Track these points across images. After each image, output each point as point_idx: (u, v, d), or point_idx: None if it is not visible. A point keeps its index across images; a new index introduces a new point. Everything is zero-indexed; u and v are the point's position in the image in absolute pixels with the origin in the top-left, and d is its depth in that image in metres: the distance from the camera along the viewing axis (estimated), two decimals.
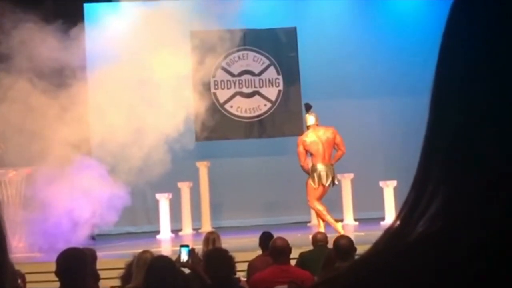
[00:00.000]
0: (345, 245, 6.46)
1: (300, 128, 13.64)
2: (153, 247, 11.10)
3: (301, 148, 12.90)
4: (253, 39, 16.76)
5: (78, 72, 13.78)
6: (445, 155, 0.72)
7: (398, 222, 0.75)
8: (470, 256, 0.68)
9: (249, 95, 16.77)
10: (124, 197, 13.43)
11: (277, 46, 16.72)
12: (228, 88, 16.74)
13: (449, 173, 0.72)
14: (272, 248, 6.74)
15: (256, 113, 16.69)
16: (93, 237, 14.11)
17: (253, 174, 16.92)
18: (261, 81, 16.84)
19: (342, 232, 11.06)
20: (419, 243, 0.72)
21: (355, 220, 15.38)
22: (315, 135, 12.83)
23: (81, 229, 13.08)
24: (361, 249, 6.57)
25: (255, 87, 16.81)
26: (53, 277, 5.23)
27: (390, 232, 0.75)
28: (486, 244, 0.67)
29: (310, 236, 9.27)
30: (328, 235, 8.90)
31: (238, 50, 16.72)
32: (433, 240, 0.71)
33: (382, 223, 14.02)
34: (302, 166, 12.96)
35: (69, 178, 12.89)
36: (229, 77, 16.76)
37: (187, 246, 6.59)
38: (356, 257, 6.25)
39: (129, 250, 11.17)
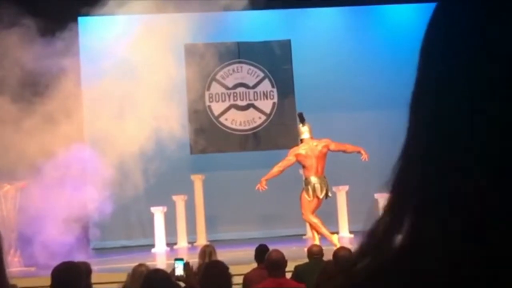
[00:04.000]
0: (344, 257, 6.44)
1: (295, 141, 13.65)
2: (148, 260, 11.07)
3: (292, 157, 12.87)
4: (248, 52, 16.77)
5: (72, 85, 13.78)
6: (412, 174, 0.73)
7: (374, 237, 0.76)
8: (436, 276, 0.68)
9: (243, 108, 16.77)
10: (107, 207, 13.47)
11: (272, 59, 16.73)
12: (222, 101, 16.74)
13: (415, 194, 0.73)
14: (268, 261, 6.72)
15: (251, 126, 16.69)
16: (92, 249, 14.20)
17: (248, 187, 16.83)
18: (255, 93, 16.84)
19: (338, 245, 11.05)
20: (391, 261, 0.73)
21: (351, 232, 15.36)
22: (309, 149, 12.84)
23: (76, 239, 13.10)
24: None
25: (249, 99, 16.82)
26: None
27: (370, 246, 0.76)
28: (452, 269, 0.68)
29: (306, 249, 9.26)
30: (324, 248, 8.90)
31: (232, 63, 16.73)
32: (402, 258, 0.72)
33: None
34: (277, 169, 12.86)
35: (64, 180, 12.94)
36: (223, 90, 16.76)
37: (182, 259, 6.58)
38: None
39: (124, 264, 11.16)
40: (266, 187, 12.90)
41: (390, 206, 0.75)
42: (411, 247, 0.71)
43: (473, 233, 0.67)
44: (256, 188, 13.03)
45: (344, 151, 13.04)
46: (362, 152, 12.91)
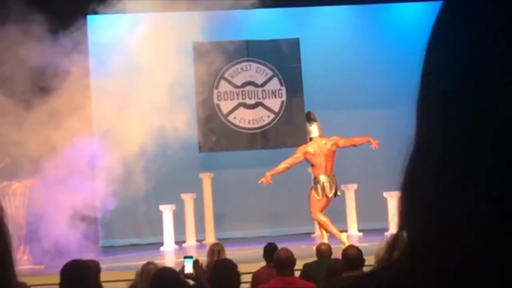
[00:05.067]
0: (353, 255, 6.44)
1: (303, 139, 13.65)
2: (157, 258, 11.08)
3: (299, 155, 12.86)
4: (256, 50, 16.77)
5: (81, 82, 13.81)
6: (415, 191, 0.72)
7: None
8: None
9: (252, 106, 16.77)
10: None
11: (280, 57, 16.72)
12: (231, 100, 16.74)
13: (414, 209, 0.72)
14: (277, 259, 6.71)
15: (259, 124, 16.69)
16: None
17: (257, 186, 16.82)
18: (264, 92, 16.84)
19: (347, 243, 11.03)
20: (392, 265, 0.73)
21: (359, 230, 15.34)
22: (317, 147, 12.82)
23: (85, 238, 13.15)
24: (367, 260, 6.55)
25: (258, 98, 16.81)
26: None
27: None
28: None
29: (314, 247, 9.25)
30: (332, 246, 8.89)
31: (241, 61, 16.73)
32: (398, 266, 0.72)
33: (386, 233, 13.97)
34: (284, 165, 12.85)
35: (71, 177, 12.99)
36: (232, 88, 16.76)
37: (191, 257, 6.57)
38: (365, 268, 6.22)
39: (133, 262, 11.16)
40: (270, 181, 12.90)
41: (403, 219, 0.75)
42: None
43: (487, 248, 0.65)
44: (260, 181, 13.04)
45: (354, 145, 13.03)
46: (371, 140, 12.93)
